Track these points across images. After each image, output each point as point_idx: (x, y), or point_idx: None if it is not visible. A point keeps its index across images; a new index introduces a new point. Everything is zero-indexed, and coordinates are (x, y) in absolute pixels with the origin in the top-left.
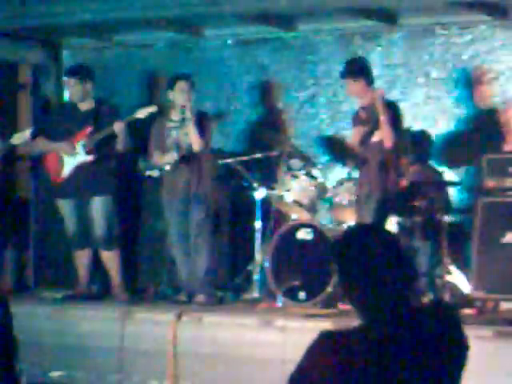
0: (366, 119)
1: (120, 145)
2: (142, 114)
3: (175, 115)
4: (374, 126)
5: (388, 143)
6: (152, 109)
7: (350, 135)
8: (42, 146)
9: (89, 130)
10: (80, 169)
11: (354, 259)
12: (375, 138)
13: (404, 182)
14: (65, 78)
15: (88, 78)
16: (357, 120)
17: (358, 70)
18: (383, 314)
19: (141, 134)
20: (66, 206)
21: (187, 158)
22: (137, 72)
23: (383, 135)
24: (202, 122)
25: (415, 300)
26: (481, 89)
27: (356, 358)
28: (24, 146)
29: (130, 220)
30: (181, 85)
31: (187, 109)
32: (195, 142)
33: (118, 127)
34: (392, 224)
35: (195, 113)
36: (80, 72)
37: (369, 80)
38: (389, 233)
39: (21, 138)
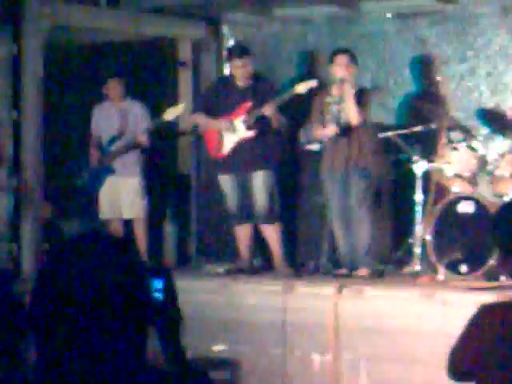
0: None
1: (275, 124)
2: (301, 88)
3: (335, 90)
4: None
5: None
6: (312, 83)
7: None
8: (202, 123)
9: (248, 105)
10: (241, 144)
11: None
12: None
13: None
14: (227, 57)
15: (250, 56)
16: None
17: None
18: None
19: (301, 108)
20: (227, 182)
21: (347, 131)
22: (296, 47)
23: None
24: (362, 95)
25: None
26: None
27: None
28: (178, 121)
29: (290, 194)
30: (340, 59)
31: (346, 82)
32: (354, 115)
33: (268, 110)
34: None
35: (355, 87)
36: (244, 53)
37: None
38: None
39: (174, 113)
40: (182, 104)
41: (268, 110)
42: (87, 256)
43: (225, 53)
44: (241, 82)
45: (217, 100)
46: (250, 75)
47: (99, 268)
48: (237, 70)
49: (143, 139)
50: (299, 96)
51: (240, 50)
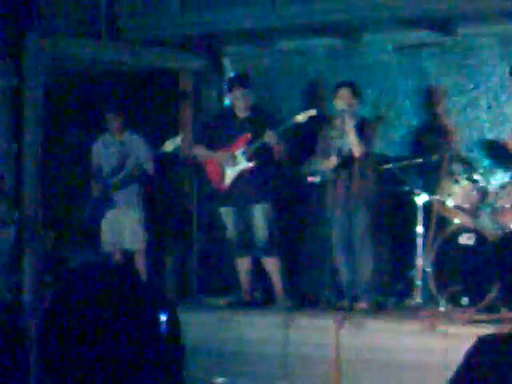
0: None
1: (275, 153)
2: (301, 118)
3: (338, 122)
4: None
5: None
6: (311, 112)
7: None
8: (203, 155)
9: (248, 137)
10: (241, 176)
11: None
12: None
13: None
14: (228, 88)
15: (249, 87)
16: None
17: None
18: None
19: (301, 138)
20: (228, 214)
21: (349, 163)
22: (296, 79)
23: None
24: (363, 127)
25: None
26: None
27: None
28: (179, 153)
29: (291, 226)
30: (342, 91)
31: (346, 115)
32: (356, 147)
33: (270, 137)
34: None
35: (356, 119)
36: (244, 83)
37: None
38: None
39: (172, 144)
40: (180, 135)
41: (269, 139)
42: (98, 290)
43: (228, 87)
44: (241, 113)
45: (217, 131)
46: (249, 106)
47: (110, 302)
48: (237, 101)
49: (150, 167)
50: (301, 128)
51: (240, 81)
